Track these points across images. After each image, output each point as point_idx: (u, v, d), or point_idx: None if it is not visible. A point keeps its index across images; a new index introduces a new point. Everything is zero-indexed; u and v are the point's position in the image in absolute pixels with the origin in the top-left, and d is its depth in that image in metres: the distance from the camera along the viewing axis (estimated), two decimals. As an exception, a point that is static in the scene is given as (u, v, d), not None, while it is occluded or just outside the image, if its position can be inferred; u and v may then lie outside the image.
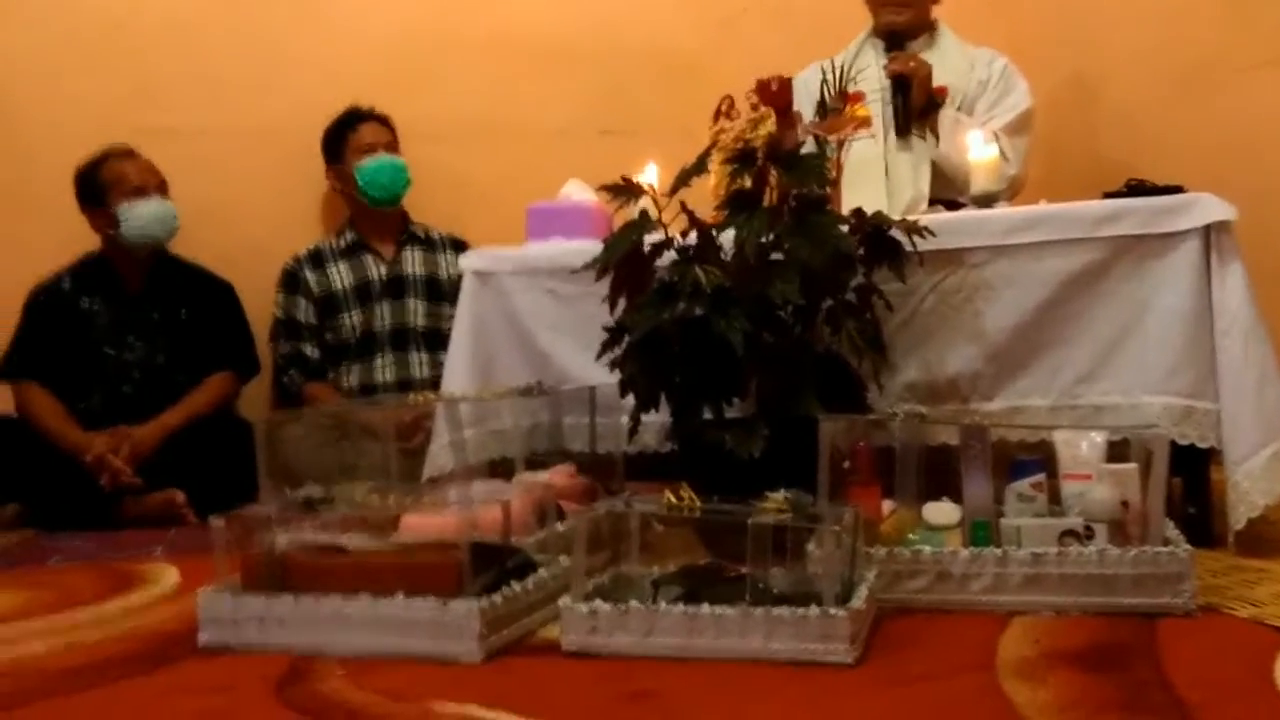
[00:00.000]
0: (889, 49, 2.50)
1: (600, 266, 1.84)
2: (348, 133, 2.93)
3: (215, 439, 2.70)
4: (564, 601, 1.30)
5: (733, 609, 1.25)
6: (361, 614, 1.31)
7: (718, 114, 2.03)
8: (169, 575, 1.87)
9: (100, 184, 2.75)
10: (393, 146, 2.94)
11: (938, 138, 2.37)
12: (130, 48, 3.04)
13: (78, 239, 2.86)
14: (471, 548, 1.32)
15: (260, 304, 2.93)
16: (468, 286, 2.19)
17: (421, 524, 1.53)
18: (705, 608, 1.25)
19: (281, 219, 3.03)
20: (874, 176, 2.40)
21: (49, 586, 1.82)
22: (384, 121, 2.97)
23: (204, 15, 3.08)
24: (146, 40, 3.05)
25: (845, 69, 2.16)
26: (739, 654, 1.24)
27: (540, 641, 1.35)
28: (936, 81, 2.41)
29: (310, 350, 2.89)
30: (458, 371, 2.16)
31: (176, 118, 3.00)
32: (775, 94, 1.96)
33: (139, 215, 2.73)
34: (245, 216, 3.02)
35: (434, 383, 2.78)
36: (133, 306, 2.80)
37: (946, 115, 2.39)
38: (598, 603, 1.29)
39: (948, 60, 2.50)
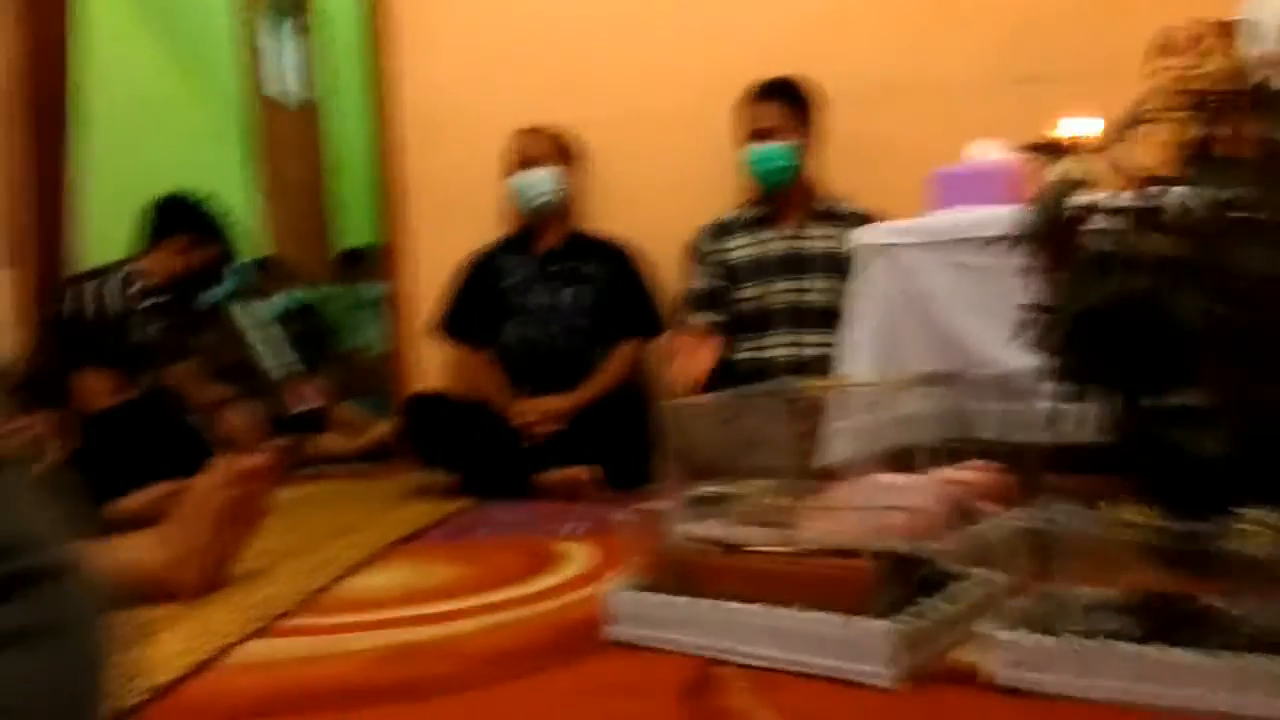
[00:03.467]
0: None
1: (1020, 235, 1.63)
2: (743, 111, 2.89)
3: (621, 411, 2.82)
4: (988, 627, 1.15)
5: (1199, 653, 1.04)
6: (762, 623, 1.25)
7: (1160, 50, 1.74)
8: (581, 556, 1.94)
9: (508, 161, 3.03)
10: (779, 131, 2.83)
11: None
12: (549, 44, 3.23)
13: (507, 223, 3.15)
14: (880, 557, 1.21)
15: (672, 280, 3.01)
16: (867, 262, 2.07)
17: (824, 526, 1.44)
18: (1164, 650, 1.06)
19: (696, 200, 3.08)
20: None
21: (478, 561, 1.95)
22: (779, 101, 2.85)
23: (614, 8, 3.21)
24: (563, 35, 3.23)
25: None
26: (1202, 708, 1.03)
27: (957, 667, 1.21)
28: None
29: (719, 319, 2.89)
30: (855, 353, 2.05)
31: (596, 108, 3.15)
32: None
33: (512, 184, 3.01)
34: (663, 199, 3.11)
35: (827, 363, 2.70)
36: (542, 263, 3.05)
37: None
38: (1027, 632, 1.14)
39: None
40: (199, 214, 3.16)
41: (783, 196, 2.87)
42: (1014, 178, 2.08)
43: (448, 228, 3.27)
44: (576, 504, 2.58)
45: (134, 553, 1.66)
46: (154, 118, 4.11)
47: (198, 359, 3.42)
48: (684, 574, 1.37)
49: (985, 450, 1.79)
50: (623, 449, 2.77)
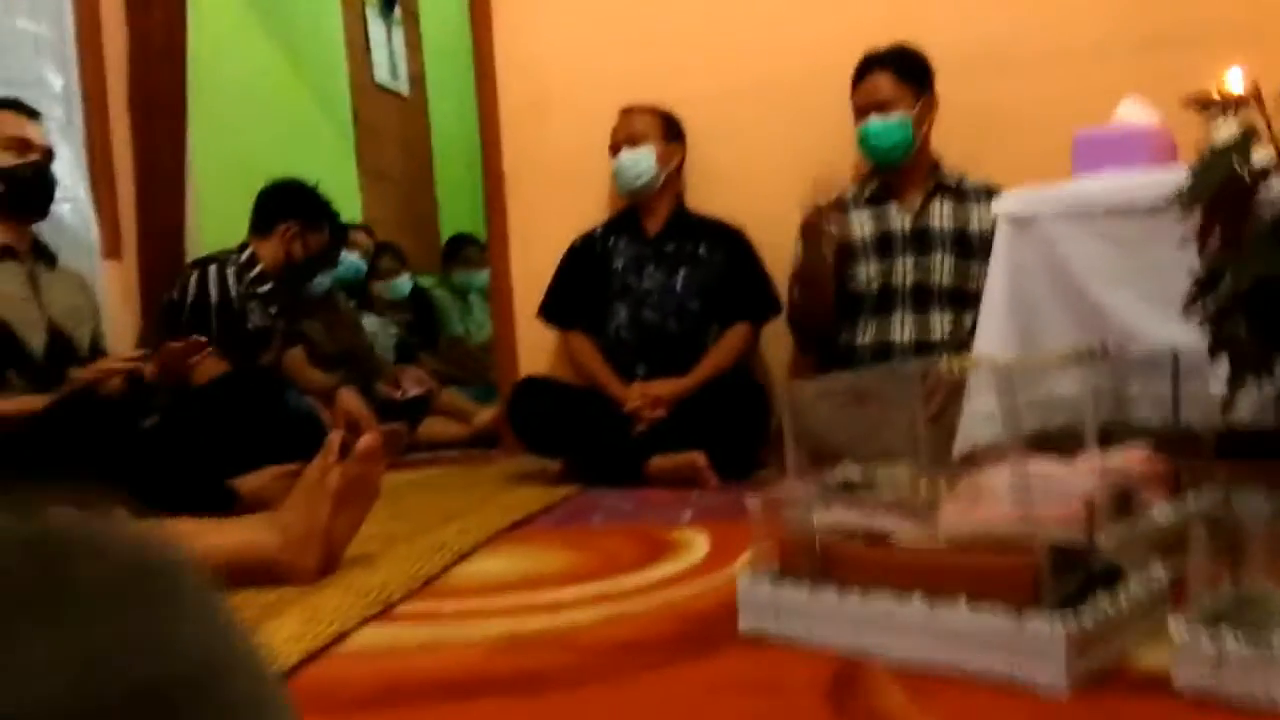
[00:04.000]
0: None
1: (1184, 200, 1.49)
2: (855, 86, 2.75)
3: (731, 397, 2.73)
4: (1176, 628, 1.03)
5: None
6: (916, 619, 1.14)
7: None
8: (698, 543, 1.85)
9: (612, 141, 2.98)
10: (893, 104, 2.67)
11: None
12: (650, 20, 3.15)
13: (611, 205, 3.08)
14: (1051, 549, 1.09)
15: (785, 259, 2.89)
16: (1003, 235, 1.93)
17: (970, 513, 1.33)
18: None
19: (804, 179, 2.97)
20: None
21: (592, 548, 1.88)
22: (890, 72, 2.69)
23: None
24: (666, 10, 3.14)
25: None
26: None
27: (1138, 672, 1.09)
28: None
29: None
30: (993, 331, 1.92)
31: (700, 84, 3.06)
32: None
33: (617, 166, 2.94)
34: (770, 177, 3.01)
35: (955, 344, 2.57)
36: (650, 244, 2.96)
37: None
38: (1217, 634, 1.01)
39: None
40: (308, 200, 3.17)
41: (903, 171, 2.72)
42: (1161, 139, 1.92)
43: (551, 211, 3.22)
44: (690, 491, 2.49)
45: (249, 535, 1.64)
46: (263, 106, 4.15)
47: (308, 343, 3.45)
48: (820, 565, 1.27)
49: (1144, 434, 1.65)
50: (732, 435, 2.69)
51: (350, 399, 3.35)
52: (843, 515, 1.33)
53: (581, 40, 3.21)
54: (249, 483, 2.37)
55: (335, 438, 1.67)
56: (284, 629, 1.38)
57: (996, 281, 1.92)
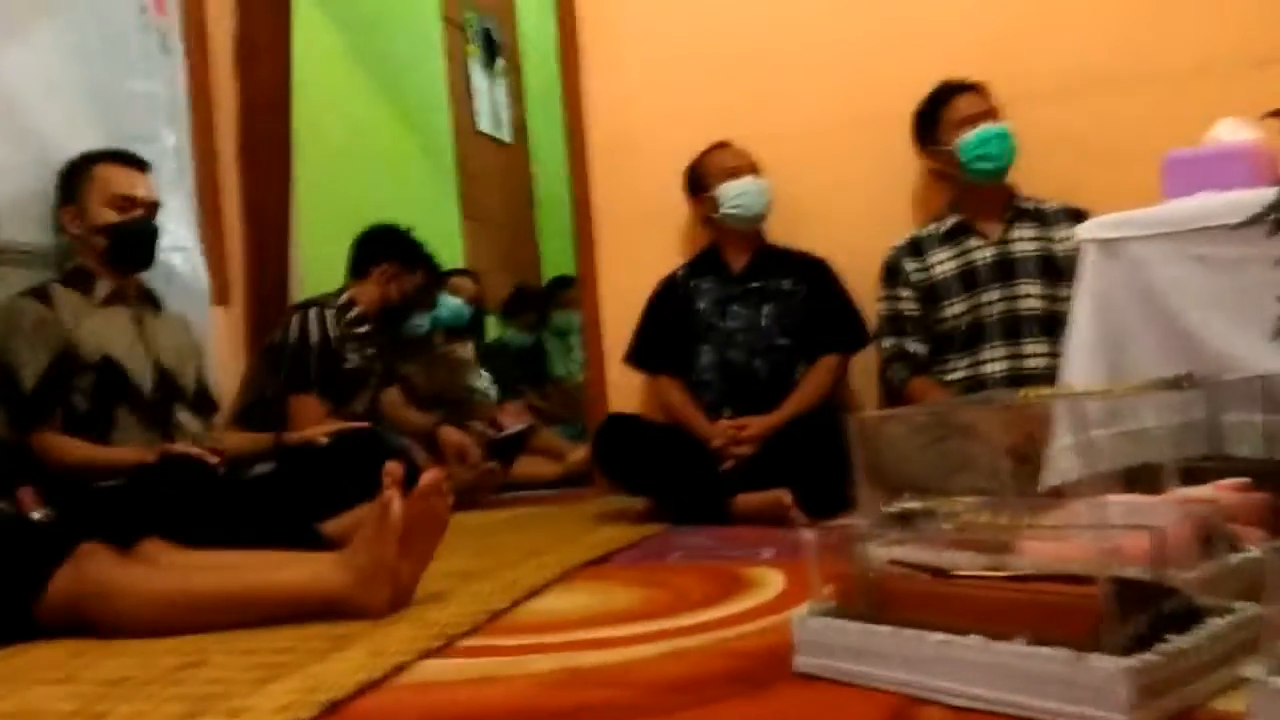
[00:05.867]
0: None
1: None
2: (942, 108, 2.72)
3: (819, 432, 2.68)
4: (1252, 672, 0.95)
5: None
6: (974, 657, 1.08)
7: None
8: (774, 581, 1.81)
9: (702, 173, 2.98)
10: (992, 114, 2.66)
11: None
12: (731, 62, 3.17)
13: (695, 244, 3.08)
14: (1115, 584, 1.03)
15: (868, 296, 2.85)
16: (1089, 260, 1.85)
17: (1046, 550, 1.26)
18: None
19: (878, 212, 2.93)
20: None
21: (664, 586, 1.86)
22: (980, 90, 2.70)
23: (791, 19, 3.11)
24: (740, 50, 3.16)
25: None
26: None
27: (1212, 718, 1.01)
28: None
29: (914, 345, 2.71)
30: (1079, 360, 1.84)
31: (779, 122, 3.05)
32: None
33: (731, 191, 2.90)
34: (847, 212, 2.97)
35: (1049, 375, 2.47)
36: (736, 283, 2.95)
37: None
38: (1303, 678, 0.93)
39: None
40: (402, 243, 3.26)
41: (983, 199, 2.66)
42: (1261, 159, 1.82)
43: (639, 250, 3.24)
44: (776, 529, 2.44)
45: (319, 572, 1.66)
46: (367, 155, 4.31)
47: (405, 384, 3.53)
48: (881, 600, 1.22)
49: (1240, 467, 1.55)
50: (820, 472, 2.62)
51: (454, 434, 3.42)
52: (905, 549, 1.28)
53: (667, 79, 3.23)
54: (341, 523, 2.42)
55: (394, 469, 1.68)
56: (348, 660, 1.40)
57: (1082, 309, 1.84)
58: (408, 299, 3.29)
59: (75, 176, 2.46)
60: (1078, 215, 2.48)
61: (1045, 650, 1.03)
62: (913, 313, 2.70)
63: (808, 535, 1.30)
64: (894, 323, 2.73)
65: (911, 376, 2.68)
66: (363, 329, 3.16)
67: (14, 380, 2.26)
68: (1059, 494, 1.72)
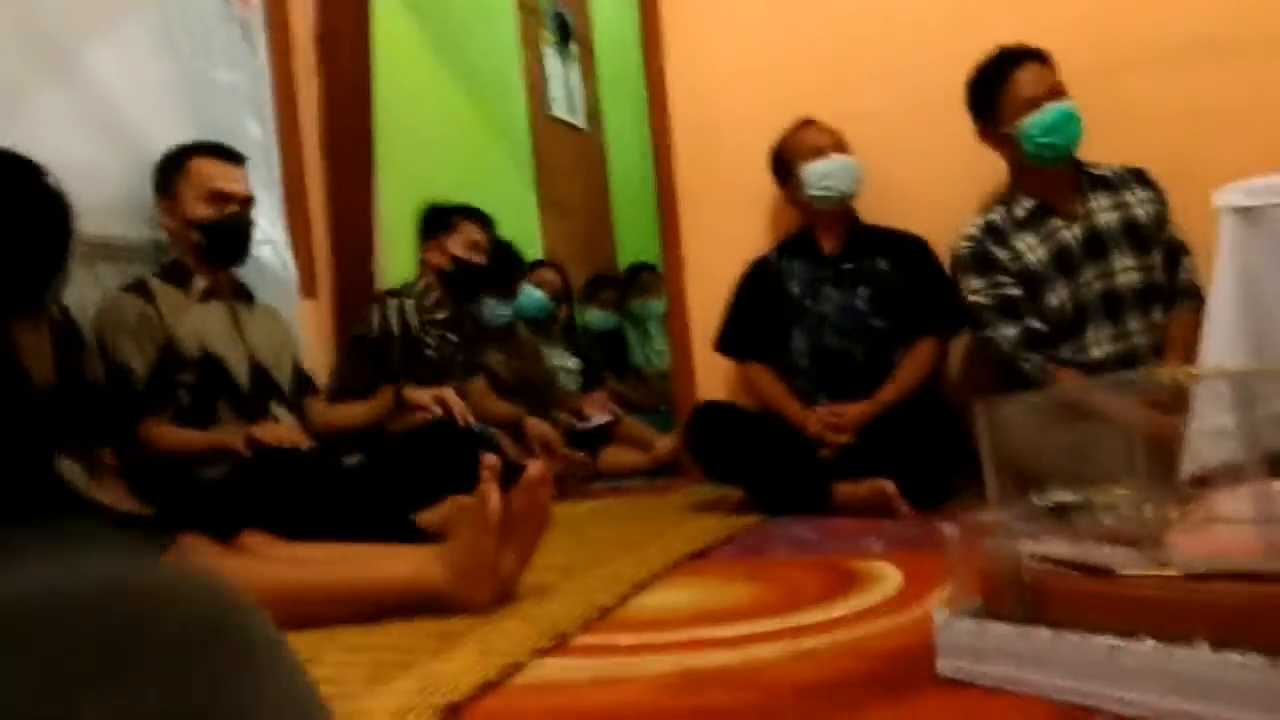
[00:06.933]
0: None
1: None
2: (1002, 85, 2.51)
3: (921, 419, 2.58)
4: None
5: None
6: (1145, 663, 0.99)
7: None
8: (890, 576, 1.73)
9: (786, 155, 2.87)
10: (1058, 91, 2.47)
11: None
12: (816, 40, 3.08)
13: (783, 226, 2.98)
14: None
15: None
16: (1229, 230, 1.73)
17: (1207, 543, 1.16)
18: None
19: (971, 191, 2.79)
20: None
21: (774, 580, 1.78)
22: (1045, 61, 2.49)
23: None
24: (830, 30, 3.06)
25: None
26: None
27: None
28: None
29: (1037, 324, 2.50)
30: (1221, 339, 1.71)
31: (867, 101, 2.95)
32: None
33: (817, 171, 2.79)
34: (940, 191, 2.87)
35: (1157, 352, 2.35)
36: (829, 264, 2.84)
37: None
38: None
39: None
40: (462, 206, 3.24)
41: (1054, 178, 2.51)
42: None
43: (725, 234, 3.16)
44: (880, 521, 2.35)
45: (418, 567, 1.62)
46: (446, 146, 4.28)
47: (489, 374, 3.50)
48: (1030, 601, 1.13)
49: None
50: (923, 460, 2.52)
51: (539, 425, 3.38)
52: (1054, 545, 1.19)
53: (752, 59, 3.14)
54: (432, 515, 2.39)
55: (492, 462, 1.63)
56: (458, 659, 1.35)
57: (1223, 283, 1.71)
58: (479, 260, 3.22)
59: (171, 170, 2.45)
60: (1140, 175, 2.36)
61: (1234, 656, 0.94)
62: (1020, 295, 2.52)
63: (948, 529, 1.22)
64: (1004, 309, 2.51)
65: (1047, 362, 2.46)
66: (441, 315, 3.14)
67: (126, 376, 2.27)
68: (1203, 481, 1.61)
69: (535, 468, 1.66)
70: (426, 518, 2.31)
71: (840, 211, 2.85)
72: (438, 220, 3.23)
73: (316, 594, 1.63)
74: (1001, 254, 2.52)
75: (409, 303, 3.08)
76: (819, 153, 2.80)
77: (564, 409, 3.81)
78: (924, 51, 2.93)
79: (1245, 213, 1.71)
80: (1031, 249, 2.51)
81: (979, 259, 2.54)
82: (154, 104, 2.63)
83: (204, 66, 2.81)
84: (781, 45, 3.11)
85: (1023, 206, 2.53)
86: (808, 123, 2.88)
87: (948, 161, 2.86)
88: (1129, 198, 2.47)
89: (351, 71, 3.46)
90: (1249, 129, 2.53)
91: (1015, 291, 2.52)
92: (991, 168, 2.68)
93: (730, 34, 3.19)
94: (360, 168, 3.49)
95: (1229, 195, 1.75)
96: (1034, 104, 2.45)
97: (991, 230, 2.54)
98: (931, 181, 2.89)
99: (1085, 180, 2.52)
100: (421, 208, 3.32)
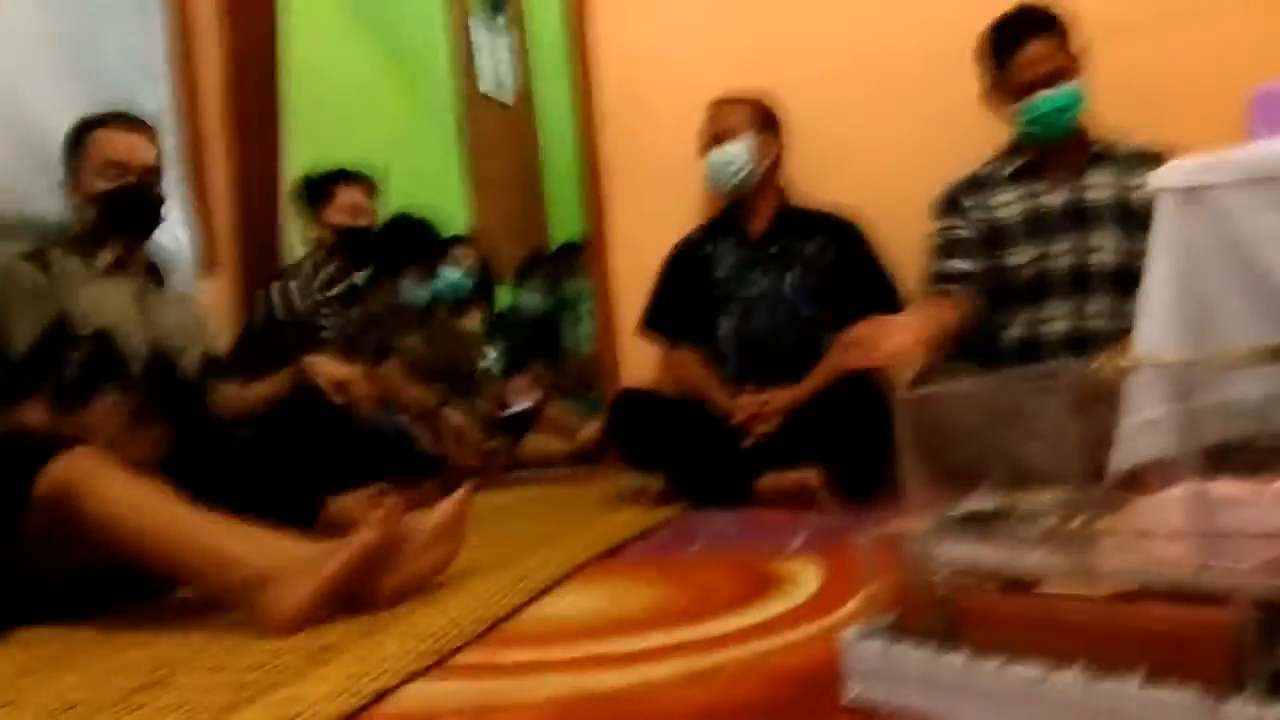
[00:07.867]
0: None
1: None
2: (1012, 54, 2.33)
3: (851, 406, 2.47)
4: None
5: None
6: (1073, 697, 0.88)
7: None
8: (807, 577, 1.61)
9: (703, 137, 2.75)
10: (1069, 70, 2.31)
11: None
12: (745, 6, 2.94)
13: (717, 201, 2.87)
14: (1261, 606, 0.82)
15: (904, 254, 2.62)
16: (1166, 212, 1.62)
17: (1135, 552, 1.05)
18: None
19: (921, 164, 2.67)
20: None
21: (683, 583, 1.66)
22: (1061, 32, 2.33)
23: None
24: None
25: None
26: None
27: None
28: None
29: (964, 265, 2.40)
30: (1156, 325, 1.61)
31: (800, 69, 2.82)
32: None
33: (711, 164, 2.71)
34: (877, 161, 2.75)
35: (1114, 336, 2.24)
36: (755, 247, 2.73)
37: None
38: None
39: None
40: (329, 174, 3.07)
41: (1054, 145, 2.39)
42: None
43: (650, 214, 3.02)
44: (805, 513, 2.24)
45: (259, 555, 1.50)
46: (365, 117, 4.08)
47: (405, 357, 3.33)
48: (948, 619, 1.02)
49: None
50: (853, 448, 2.41)
51: (455, 416, 3.22)
52: (976, 555, 1.07)
53: (679, 28, 3.00)
54: (342, 502, 2.24)
55: (390, 508, 1.55)
56: (328, 681, 1.21)
57: (1159, 266, 1.61)
58: (364, 222, 3.05)
59: (71, 145, 2.28)
60: (1154, 158, 2.21)
61: (1166, 692, 0.83)
62: (972, 239, 2.41)
63: (857, 535, 1.10)
64: (947, 249, 2.43)
65: (946, 285, 2.39)
66: (336, 290, 2.97)
67: (3, 346, 2.09)
68: (1135, 478, 1.51)
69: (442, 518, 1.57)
70: (340, 503, 2.16)
71: (764, 191, 2.73)
72: (315, 191, 3.05)
73: (159, 528, 1.54)
74: (969, 203, 2.43)
75: (293, 285, 2.91)
76: (716, 140, 2.69)
77: (486, 394, 3.66)
78: (860, 15, 2.81)
79: (1184, 193, 1.61)
80: (1007, 205, 2.41)
81: (947, 204, 2.47)
82: (31, 65, 2.42)
83: (92, 32, 2.60)
84: (712, 11, 2.98)
85: (1012, 164, 2.43)
86: (714, 104, 2.74)
87: (887, 129, 2.76)
88: (1130, 180, 2.34)
89: (256, 39, 3.26)
90: (1196, 97, 2.42)
91: (966, 234, 2.42)
92: (934, 133, 2.57)
93: (658, 1, 3.04)
94: (266, 136, 3.29)
95: (1167, 175, 1.65)
96: (1031, 88, 2.32)
97: (974, 182, 2.46)
98: (870, 150, 2.78)
99: (1090, 153, 2.40)
100: (297, 180, 3.13)
